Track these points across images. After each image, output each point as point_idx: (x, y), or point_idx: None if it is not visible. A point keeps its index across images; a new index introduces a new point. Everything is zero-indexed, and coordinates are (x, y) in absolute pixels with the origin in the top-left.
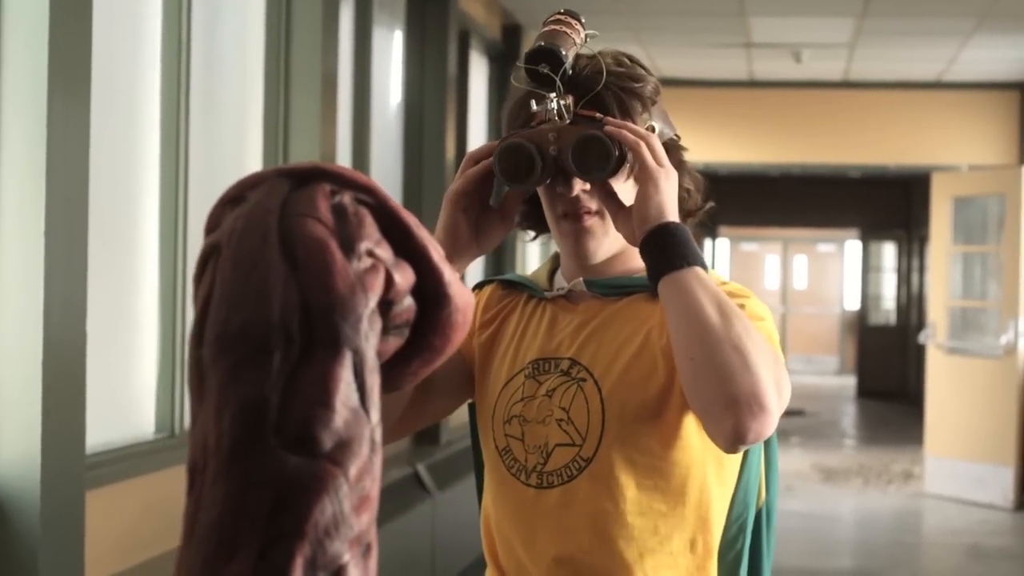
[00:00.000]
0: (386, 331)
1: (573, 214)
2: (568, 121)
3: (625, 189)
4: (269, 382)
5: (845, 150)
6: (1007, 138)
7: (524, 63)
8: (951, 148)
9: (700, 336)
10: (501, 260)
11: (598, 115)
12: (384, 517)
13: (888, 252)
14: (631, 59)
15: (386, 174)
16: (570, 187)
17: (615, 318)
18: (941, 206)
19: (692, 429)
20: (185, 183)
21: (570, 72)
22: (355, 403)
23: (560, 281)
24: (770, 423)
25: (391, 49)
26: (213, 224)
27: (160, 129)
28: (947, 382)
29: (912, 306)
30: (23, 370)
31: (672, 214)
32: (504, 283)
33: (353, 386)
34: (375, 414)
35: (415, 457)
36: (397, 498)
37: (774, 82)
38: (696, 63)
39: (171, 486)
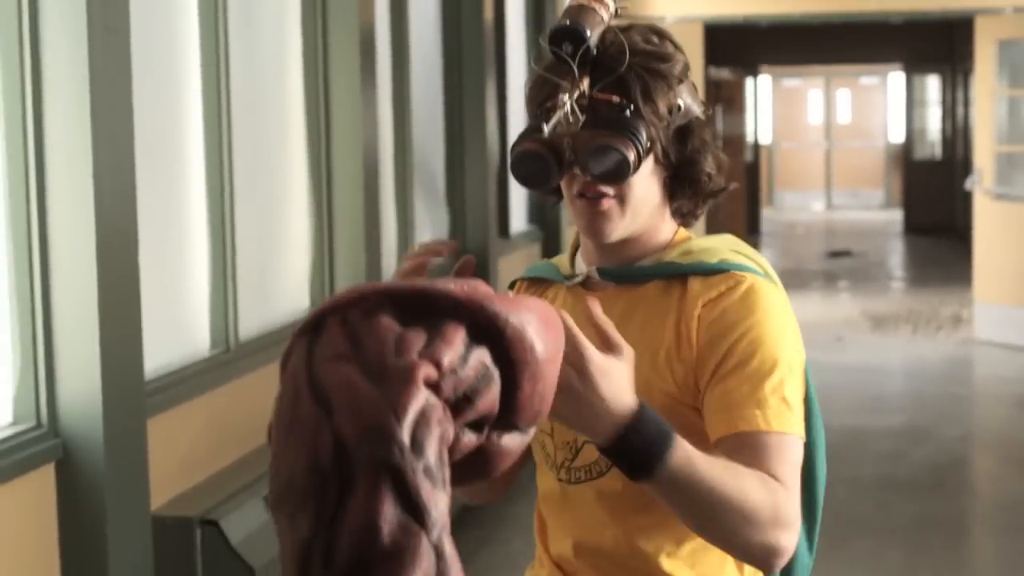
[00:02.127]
0: (458, 410)
1: (590, 195)
2: (582, 121)
3: (641, 177)
4: (316, 522)
5: None
6: None
7: (547, 41)
8: None
9: (698, 521)
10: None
11: (615, 98)
12: None
13: (932, 85)
14: (661, 35)
15: (425, 47)
16: (586, 171)
17: (634, 310)
18: (986, 50)
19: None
20: (228, 101)
21: (594, 52)
22: (401, 518)
23: (580, 264)
24: (791, 542)
25: None
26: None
27: (200, 48)
28: (995, 227)
29: (958, 140)
30: (79, 304)
31: (619, 412)
32: (531, 277)
33: (396, 503)
34: (434, 514)
35: None
36: None
37: None
38: None
39: (228, 401)
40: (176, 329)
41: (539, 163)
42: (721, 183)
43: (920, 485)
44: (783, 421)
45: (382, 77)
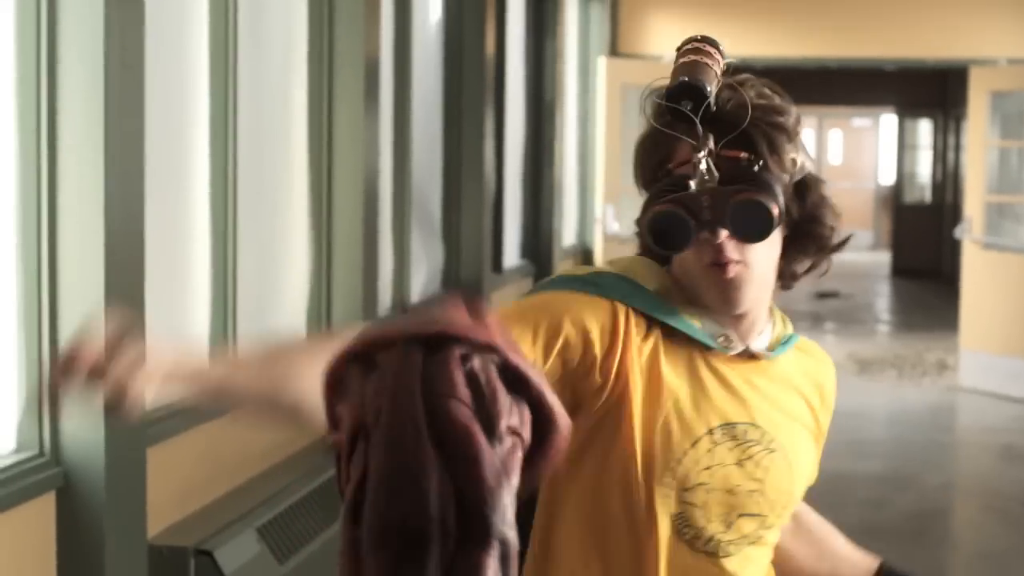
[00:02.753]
0: None
1: (721, 263)
2: (716, 177)
3: (771, 239)
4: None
5: (882, 45)
6: None
7: (665, 99)
8: (989, 42)
9: None
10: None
11: (743, 155)
12: None
13: (924, 129)
14: (772, 89)
15: (427, 80)
16: (716, 234)
17: (776, 382)
18: (979, 100)
19: None
20: (234, 129)
21: (714, 108)
22: None
23: (710, 326)
24: None
25: None
26: (334, 380)
27: (209, 76)
28: (983, 276)
29: (948, 185)
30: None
31: None
32: (642, 311)
33: (500, 573)
34: None
35: None
36: None
37: None
38: None
39: (224, 431)
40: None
41: (680, 224)
42: (843, 237)
43: (902, 533)
44: None
45: (384, 109)
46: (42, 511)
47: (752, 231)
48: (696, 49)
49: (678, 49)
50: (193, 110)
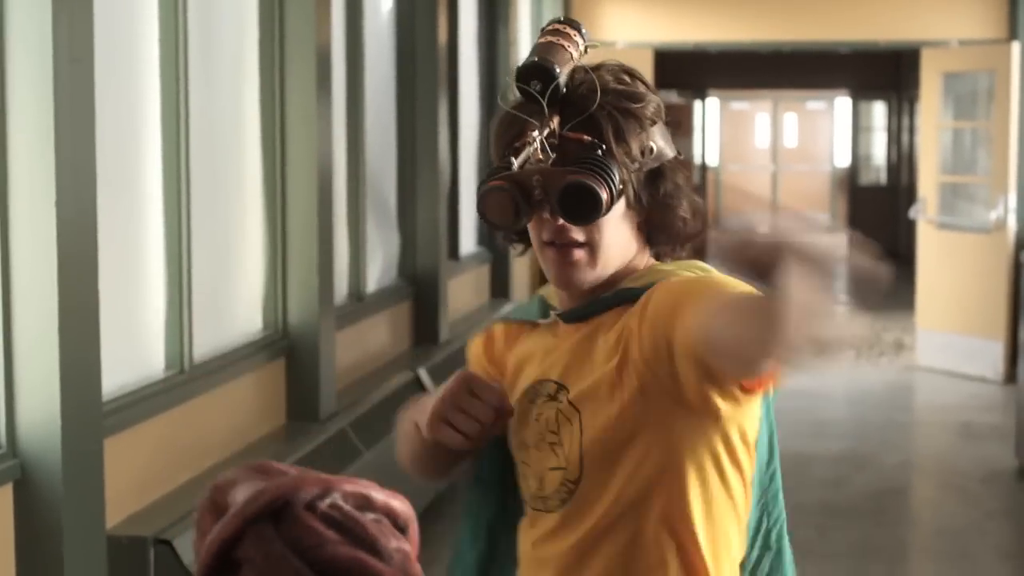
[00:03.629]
0: None
1: (559, 243)
2: (552, 158)
3: (613, 222)
4: None
5: (835, 27)
6: (997, 13)
7: (515, 79)
8: (941, 23)
9: None
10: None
11: (586, 138)
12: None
13: (878, 111)
14: (632, 75)
15: (380, 69)
16: (556, 215)
17: (589, 335)
18: (931, 81)
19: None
20: (186, 125)
21: (563, 90)
22: None
23: (555, 299)
24: None
25: None
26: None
27: (159, 73)
28: (937, 256)
29: (903, 166)
30: (39, 326)
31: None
32: (516, 320)
33: None
34: None
35: (414, 361)
36: (400, 404)
37: None
38: None
39: (182, 422)
40: (131, 351)
41: (507, 201)
42: (698, 227)
43: (861, 511)
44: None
45: (337, 99)
46: (0, 503)
47: (580, 214)
48: (555, 31)
49: (541, 31)
50: (144, 102)
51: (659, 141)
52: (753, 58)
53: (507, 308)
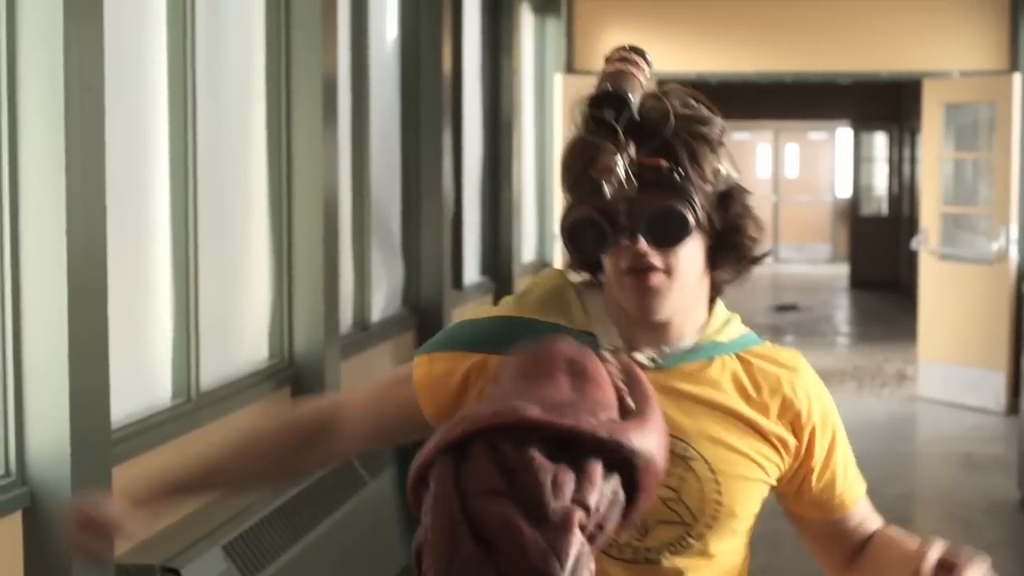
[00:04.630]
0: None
1: (640, 270)
2: (635, 184)
3: (688, 246)
4: None
5: (837, 58)
6: (998, 44)
7: (588, 106)
8: (942, 54)
9: None
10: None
11: (663, 163)
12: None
13: (880, 142)
14: (697, 99)
15: (385, 99)
16: (636, 240)
17: (695, 389)
18: (933, 112)
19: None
20: (194, 155)
21: (637, 117)
22: None
23: (607, 329)
24: None
25: None
26: (413, 508)
27: (168, 101)
28: (939, 287)
29: (904, 197)
30: (49, 354)
31: None
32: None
33: None
34: None
35: None
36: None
37: None
38: None
39: (189, 450)
40: (139, 379)
41: (596, 230)
42: (763, 249)
43: None
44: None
45: (342, 128)
46: (9, 531)
47: (668, 237)
48: (623, 58)
49: (606, 58)
50: (152, 131)
51: (727, 164)
52: (754, 88)
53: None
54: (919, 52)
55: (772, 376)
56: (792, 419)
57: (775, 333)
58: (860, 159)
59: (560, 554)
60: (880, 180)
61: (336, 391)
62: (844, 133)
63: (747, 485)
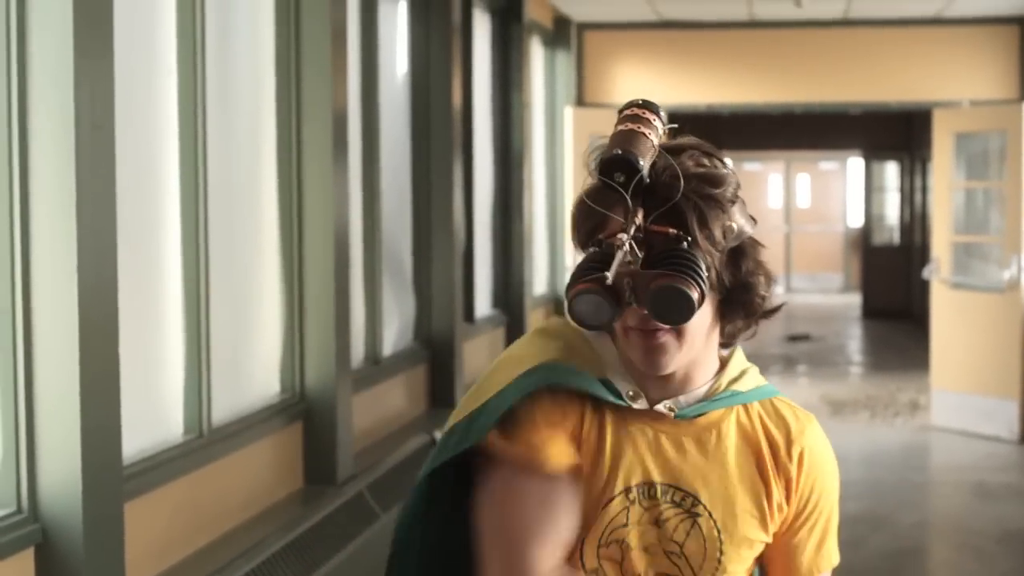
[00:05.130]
0: None
1: (645, 330)
2: (640, 259)
3: (699, 311)
4: None
5: (846, 88)
6: (1008, 73)
7: (598, 170)
8: (952, 84)
9: None
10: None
11: (671, 231)
12: (404, 488)
13: (891, 172)
14: (712, 155)
15: (395, 133)
16: (647, 313)
17: (711, 443)
18: (943, 142)
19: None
20: (205, 191)
21: (647, 180)
22: None
23: (621, 372)
24: None
25: (396, 10)
26: None
27: (178, 137)
28: (951, 316)
29: (915, 226)
30: (60, 391)
31: None
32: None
33: None
34: None
35: (431, 424)
36: (416, 467)
37: (774, 22)
38: (697, 6)
39: (201, 485)
40: (151, 415)
41: (598, 304)
42: (774, 304)
43: (878, 572)
44: (832, 557)
45: (353, 163)
46: (21, 568)
47: (672, 316)
48: (635, 116)
49: (619, 112)
50: (163, 167)
51: (739, 220)
52: (765, 119)
53: (546, 374)
54: (929, 82)
55: (780, 436)
56: (786, 482)
57: (787, 363)
58: (871, 188)
59: None
60: (892, 209)
61: (350, 432)
62: (855, 163)
63: (749, 546)
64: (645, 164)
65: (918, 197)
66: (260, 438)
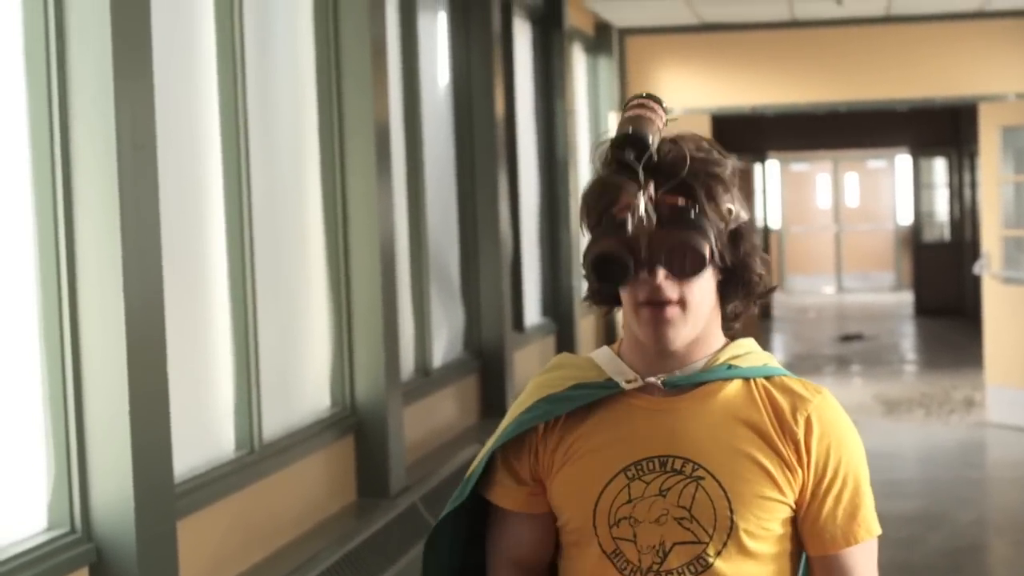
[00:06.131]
0: None
1: (655, 302)
2: (655, 220)
3: (702, 280)
4: None
5: (891, 85)
6: None
7: (610, 148)
8: (997, 77)
9: None
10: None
11: (681, 200)
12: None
13: (939, 168)
14: (709, 143)
15: (438, 144)
16: (654, 274)
17: (706, 410)
18: (990, 136)
19: (791, 525)
20: (249, 206)
21: (655, 158)
22: None
23: (620, 368)
24: None
25: (436, 21)
26: None
27: (221, 153)
28: (1004, 311)
29: (966, 222)
30: (111, 410)
31: None
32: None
33: None
34: None
35: (483, 434)
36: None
37: (816, 21)
38: (738, 8)
39: (254, 501)
40: (202, 432)
41: (618, 263)
42: (769, 283)
43: (936, 570)
44: (877, 523)
45: (397, 174)
46: None
47: (685, 269)
48: (640, 104)
49: (624, 105)
50: (206, 185)
51: (738, 204)
52: (811, 119)
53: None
54: (973, 76)
55: (785, 403)
56: (795, 445)
57: (840, 364)
58: (920, 185)
59: None
60: (941, 206)
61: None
62: (903, 160)
63: (760, 504)
64: (653, 142)
65: (967, 193)
66: (312, 452)
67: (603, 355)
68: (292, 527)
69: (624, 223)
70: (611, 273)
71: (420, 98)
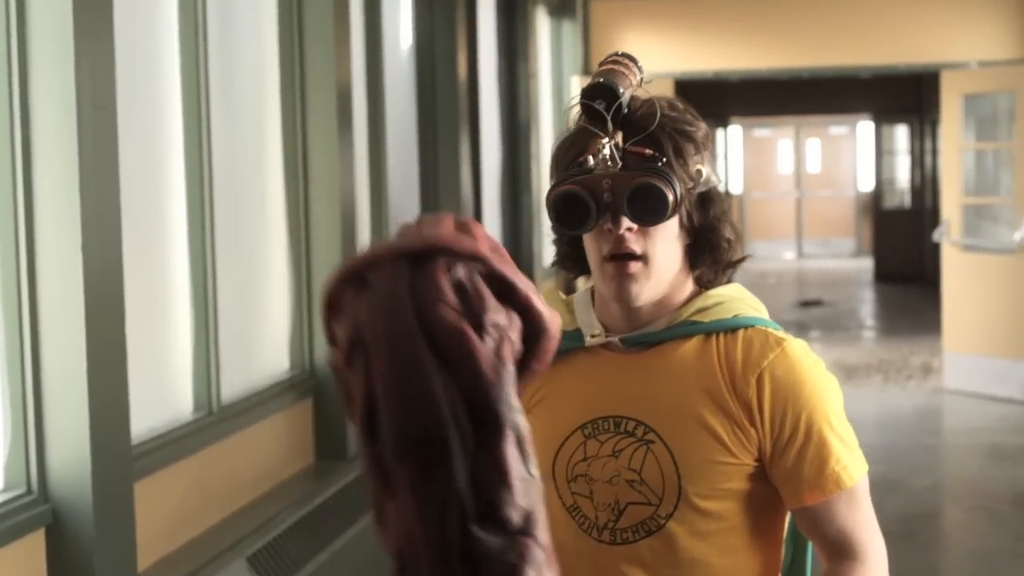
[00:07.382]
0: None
1: (619, 256)
2: (620, 165)
3: (667, 239)
4: (457, 476)
5: (854, 52)
6: (1016, 33)
7: (580, 98)
8: (960, 45)
9: None
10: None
11: (648, 151)
12: None
13: (901, 135)
14: (684, 106)
15: (401, 106)
16: (618, 224)
17: (662, 370)
18: (951, 103)
19: (756, 480)
20: (210, 167)
21: (625, 111)
22: (524, 473)
23: (590, 320)
24: None
25: None
26: (333, 300)
27: (182, 114)
28: (963, 278)
29: (926, 189)
30: (68, 371)
31: None
32: None
33: (520, 458)
34: (535, 470)
35: None
36: None
37: None
38: None
39: (211, 463)
40: (160, 393)
41: (579, 204)
42: (739, 252)
43: (892, 535)
44: (855, 470)
45: (358, 135)
46: (32, 549)
47: (647, 214)
48: (614, 61)
49: (601, 62)
50: (167, 145)
51: (708, 167)
52: (774, 85)
53: None
54: (937, 44)
55: (740, 360)
56: (746, 406)
57: (800, 329)
58: (882, 152)
59: (505, 364)
60: (902, 173)
61: None
62: (865, 127)
63: (711, 467)
64: (625, 95)
65: (928, 160)
66: (270, 415)
67: (581, 302)
68: (250, 489)
69: (589, 167)
70: (572, 214)
71: (383, 59)
